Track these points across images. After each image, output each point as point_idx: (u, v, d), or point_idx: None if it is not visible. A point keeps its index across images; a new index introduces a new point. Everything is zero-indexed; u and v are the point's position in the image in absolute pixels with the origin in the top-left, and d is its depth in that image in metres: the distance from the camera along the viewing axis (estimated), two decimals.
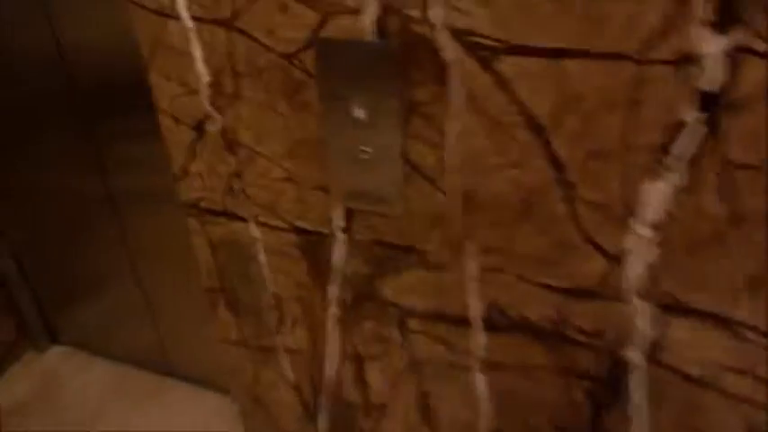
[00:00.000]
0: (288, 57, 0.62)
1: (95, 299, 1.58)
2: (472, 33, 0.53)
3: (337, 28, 0.58)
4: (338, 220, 0.73)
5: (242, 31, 0.63)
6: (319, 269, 0.79)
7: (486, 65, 0.54)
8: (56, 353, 1.75)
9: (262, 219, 0.78)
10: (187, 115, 0.73)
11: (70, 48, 1.12)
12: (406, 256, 0.70)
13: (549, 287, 0.64)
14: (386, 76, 0.58)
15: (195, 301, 1.25)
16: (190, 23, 0.65)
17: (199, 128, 0.74)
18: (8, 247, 1.57)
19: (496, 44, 0.52)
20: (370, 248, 0.73)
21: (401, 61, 0.57)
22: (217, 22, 0.64)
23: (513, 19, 0.51)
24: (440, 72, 0.56)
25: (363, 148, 0.64)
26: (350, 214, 0.72)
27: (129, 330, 1.58)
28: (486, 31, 0.52)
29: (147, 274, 1.43)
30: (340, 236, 0.74)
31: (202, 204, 0.81)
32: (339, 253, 0.76)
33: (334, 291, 0.81)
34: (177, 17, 0.66)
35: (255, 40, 0.63)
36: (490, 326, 0.70)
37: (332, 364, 0.89)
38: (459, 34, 0.53)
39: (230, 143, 0.73)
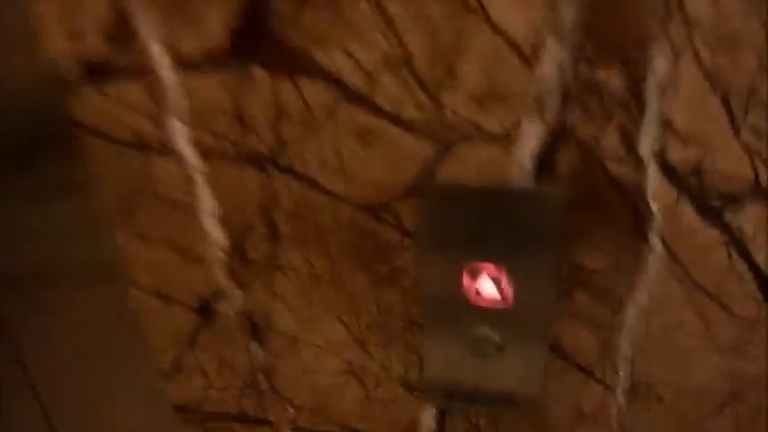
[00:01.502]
0: (372, 210, 0.39)
1: None
2: (700, 171, 0.32)
3: (464, 165, 0.35)
4: (429, 420, 0.49)
5: (290, 171, 0.39)
6: None
7: (711, 215, 0.33)
8: None
9: (304, 424, 0.52)
10: (185, 292, 0.47)
11: None
12: None
13: None
14: (542, 238, 0.36)
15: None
16: (195, 161, 0.41)
17: (205, 309, 0.48)
18: None
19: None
20: None
21: (571, 217, 0.35)
22: (242, 161, 0.40)
23: None
24: (635, 228, 0.35)
25: (488, 334, 0.41)
26: (446, 417, 0.48)
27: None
28: (727, 167, 0.32)
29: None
30: None
31: (205, 408, 0.54)
32: None
33: None
34: (171, 152, 0.41)
35: (315, 184, 0.39)
36: None
37: None
38: (675, 171, 0.33)
39: (256, 329, 0.47)
